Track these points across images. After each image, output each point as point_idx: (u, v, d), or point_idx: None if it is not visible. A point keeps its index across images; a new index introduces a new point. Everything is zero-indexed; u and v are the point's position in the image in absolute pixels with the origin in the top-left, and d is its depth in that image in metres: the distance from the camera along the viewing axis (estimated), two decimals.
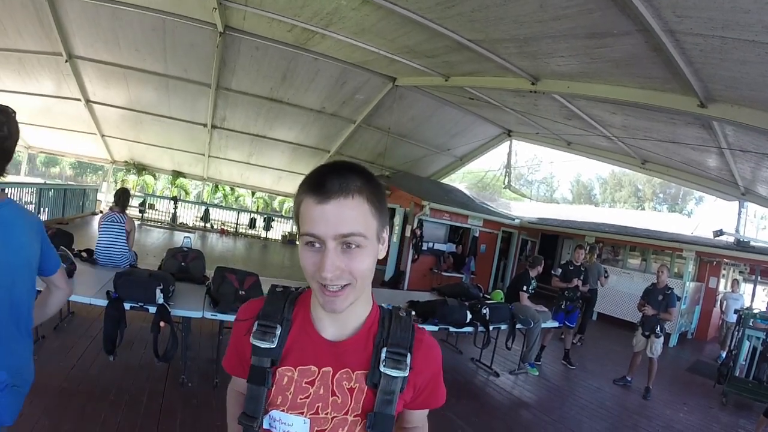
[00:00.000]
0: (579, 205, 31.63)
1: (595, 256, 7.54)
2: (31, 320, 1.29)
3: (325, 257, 0.68)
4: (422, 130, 11.50)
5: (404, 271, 9.89)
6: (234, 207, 17.22)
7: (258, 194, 17.50)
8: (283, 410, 0.79)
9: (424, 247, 10.19)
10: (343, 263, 0.69)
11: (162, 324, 2.85)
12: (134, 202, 13.44)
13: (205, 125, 11.37)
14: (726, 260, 9.30)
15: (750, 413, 4.92)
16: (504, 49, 5.80)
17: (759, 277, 10.07)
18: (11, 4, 7.52)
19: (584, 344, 7.13)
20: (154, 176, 15.90)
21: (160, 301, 2.89)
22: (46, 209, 9.68)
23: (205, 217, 15.35)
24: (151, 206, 14.94)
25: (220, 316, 3.12)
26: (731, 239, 8.98)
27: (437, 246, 10.84)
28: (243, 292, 3.18)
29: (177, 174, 15.14)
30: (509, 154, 12.27)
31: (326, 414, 0.78)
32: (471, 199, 13.32)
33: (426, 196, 10.04)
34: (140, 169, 14.66)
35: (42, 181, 17.97)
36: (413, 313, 0.88)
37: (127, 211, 4.35)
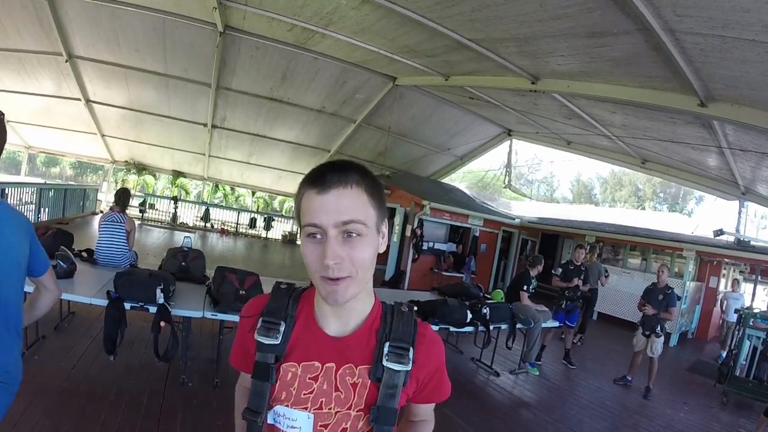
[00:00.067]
0: (579, 204, 31.65)
1: (596, 256, 7.54)
2: (20, 320, 1.30)
3: (327, 246, 0.70)
4: (422, 129, 11.49)
5: (404, 270, 9.89)
6: (234, 207, 17.21)
7: (258, 194, 17.49)
8: (287, 405, 0.80)
9: (425, 247, 10.18)
10: (344, 252, 0.71)
11: (162, 324, 2.84)
12: (134, 202, 13.44)
13: (205, 125, 11.37)
14: (726, 260, 9.29)
15: (750, 413, 4.92)
16: (504, 49, 5.79)
17: (759, 277, 10.05)
18: (11, 4, 7.51)
19: (584, 344, 7.13)
20: (154, 176, 15.90)
21: (161, 300, 2.89)
22: (47, 209, 9.68)
23: (206, 217, 15.34)
24: (152, 206, 14.93)
25: (221, 316, 3.12)
26: (731, 239, 8.98)
27: (437, 246, 10.83)
28: (243, 292, 3.18)
29: (177, 174, 15.14)
30: (509, 153, 12.25)
31: (330, 409, 0.79)
32: (471, 198, 13.32)
33: (426, 196, 10.04)
34: (140, 169, 14.67)
35: (42, 181, 17.96)
36: (415, 308, 0.90)
37: (128, 211, 4.36)
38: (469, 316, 4.16)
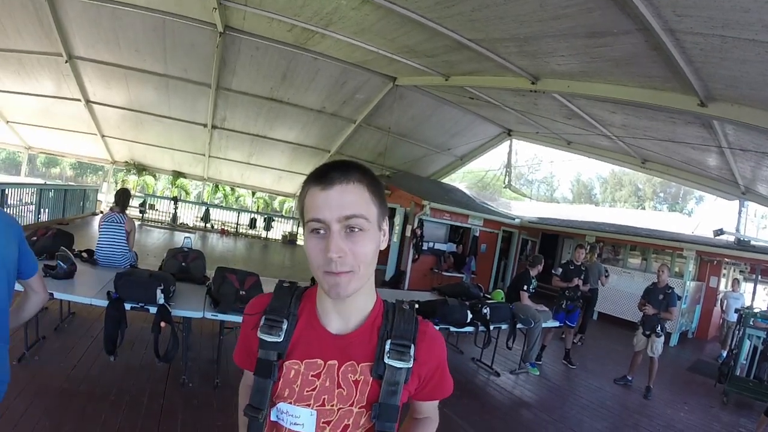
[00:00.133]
0: (579, 204, 31.67)
1: (596, 256, 7.55)
2: (7, 322, 1.29)
3: (330, 240, 0.72)
4: (422, 129, 11.48)
5: (405, 270, 9.89)
6: (234, 207, 17.21)
7: (258, 194, 17.49)
8: (290, 402, 0.81)
9: (425, 247, 10.19)
10: (347, 246, 0.73)
11: (163, 324, 2.84)
12: (134, 202, 13.44)
13: (205, 125, 11.37)
14: (726, 259, 9.29)
15: (751, 412, 4.92)
16: (504, 49, 5.79)
17: (759, 277, 10.05)
18: (11, 4, 7.51)
19: (585, 344, 7.13)
20: (154, 176, 15.90)
21: (161, 301, 2.89)
22: (47, 210, 9.68)
23: (206, 218, 15.34)
24: (152, 206, 14.92)
25: (221, 317, 3.12)
26: (732, 238, 8.98)
27: (438, 246, 10.84)
28: (243, 293, 3.19)
29: (177, 174, 15.14)
30: (509, 153, 12.24)
31: (332, 406, 0.80)
32: (471, 198, 13.33)
33: (426, 196, 10.04)
34: (140, 169, 14.66)
35: (42, 181, 17.96)
36: (416, 306, 0.90)
37: (128, 212, 4.36)
38: (470, 316, 4.16)
